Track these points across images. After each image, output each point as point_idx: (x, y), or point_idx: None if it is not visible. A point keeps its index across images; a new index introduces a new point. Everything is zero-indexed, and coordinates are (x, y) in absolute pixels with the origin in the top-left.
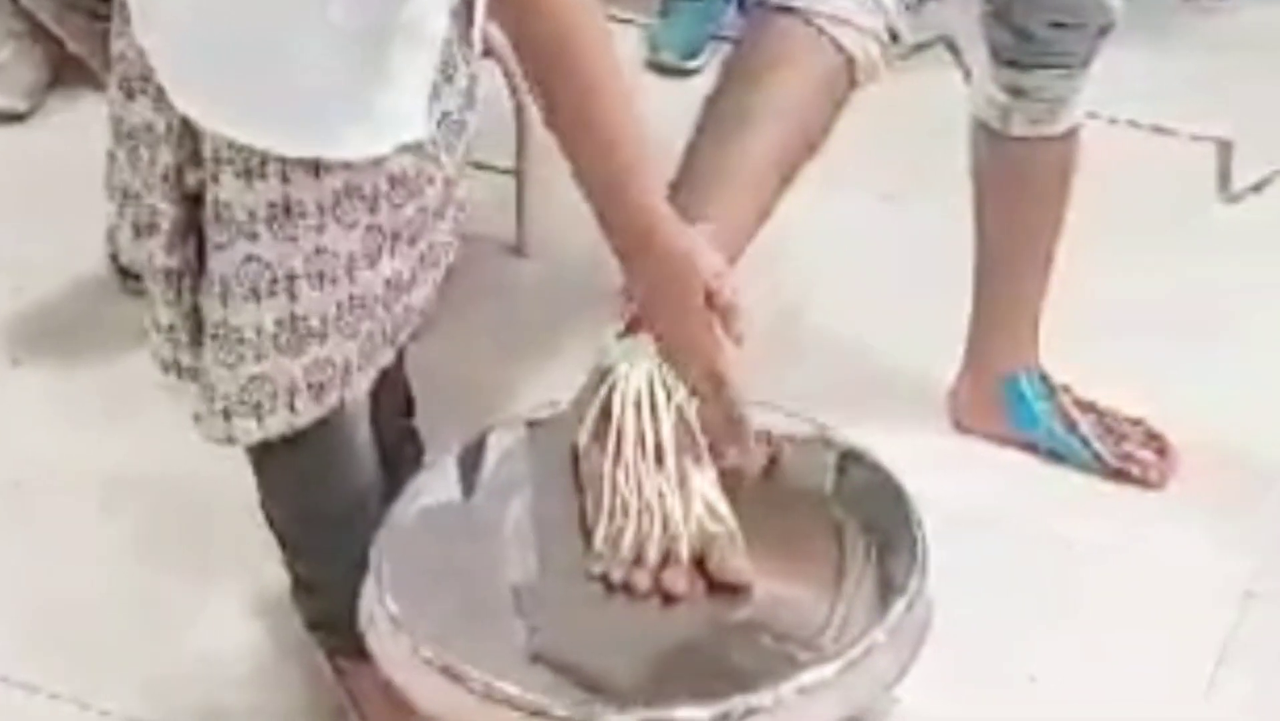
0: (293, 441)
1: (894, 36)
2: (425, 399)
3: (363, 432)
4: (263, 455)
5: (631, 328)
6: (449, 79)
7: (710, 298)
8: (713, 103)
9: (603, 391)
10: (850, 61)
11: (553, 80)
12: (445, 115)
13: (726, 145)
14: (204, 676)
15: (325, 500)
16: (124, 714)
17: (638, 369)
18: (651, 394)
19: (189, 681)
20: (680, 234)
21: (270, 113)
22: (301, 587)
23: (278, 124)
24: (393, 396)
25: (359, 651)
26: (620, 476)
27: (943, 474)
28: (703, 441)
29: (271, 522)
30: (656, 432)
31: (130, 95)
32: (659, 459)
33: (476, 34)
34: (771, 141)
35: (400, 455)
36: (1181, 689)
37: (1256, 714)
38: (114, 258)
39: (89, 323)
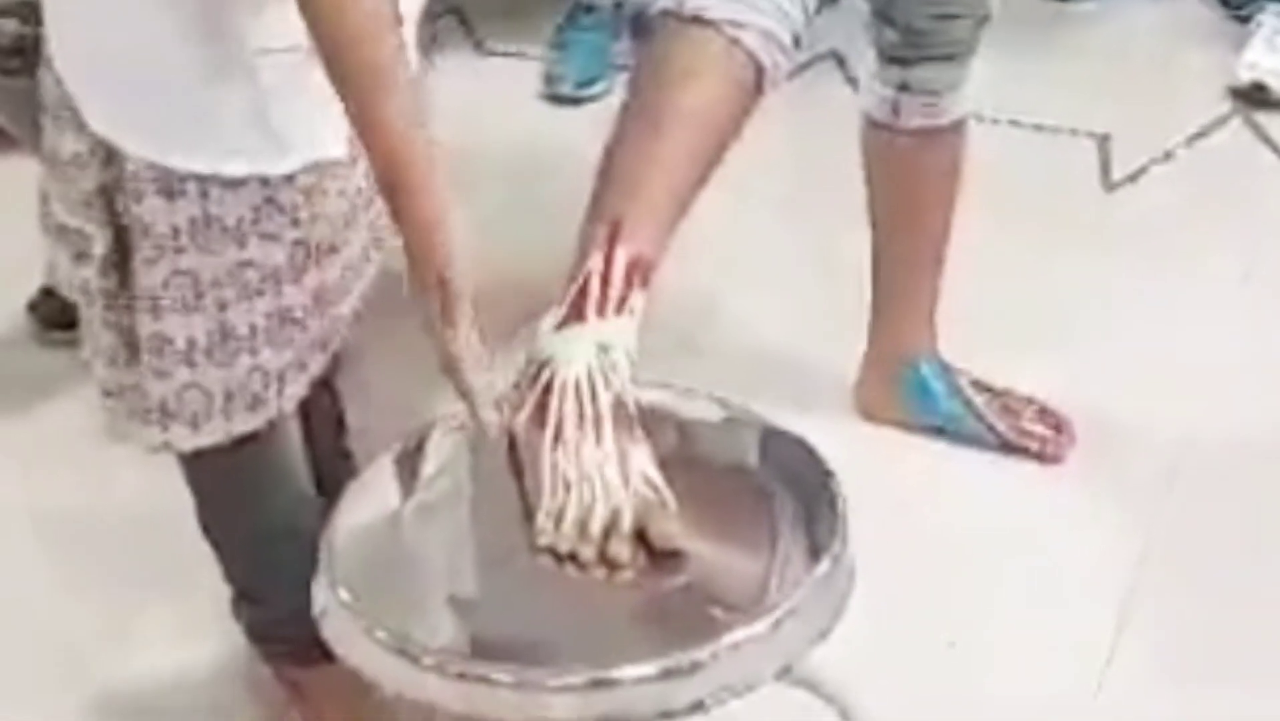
0: (228, 451)
1: (797, 43)
2: (357, 419)
3: (296, 444)
4: (198, 468)
5: (569, 319)
6: None
7: (441, 280)
8: (629, 108)
9: (542, 379)
10: (759, 69)
11: (342, 83)
12: None
13: (643, 149)
14: (148, 691)
15: (263, 511)
16: None
17: (576, 358)
18: (590, 380)
19: (132, 697)
20: (430, 208)
21: (177, 132)
22: (243, 599)
23: (184, 142)
24: (325, 416)
25: (305, 658)
26: (560, 454)
27: (851, 458)
28: (639, 424)
29: (210, 536)
30: (596, 413)
31: (59, 126)
32: (598, 438)
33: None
34: (686, 145)
35: (334, 475)
36: (1089, 645)
37: (1155, 674)
38: (33, 307)
39: (6, 378)
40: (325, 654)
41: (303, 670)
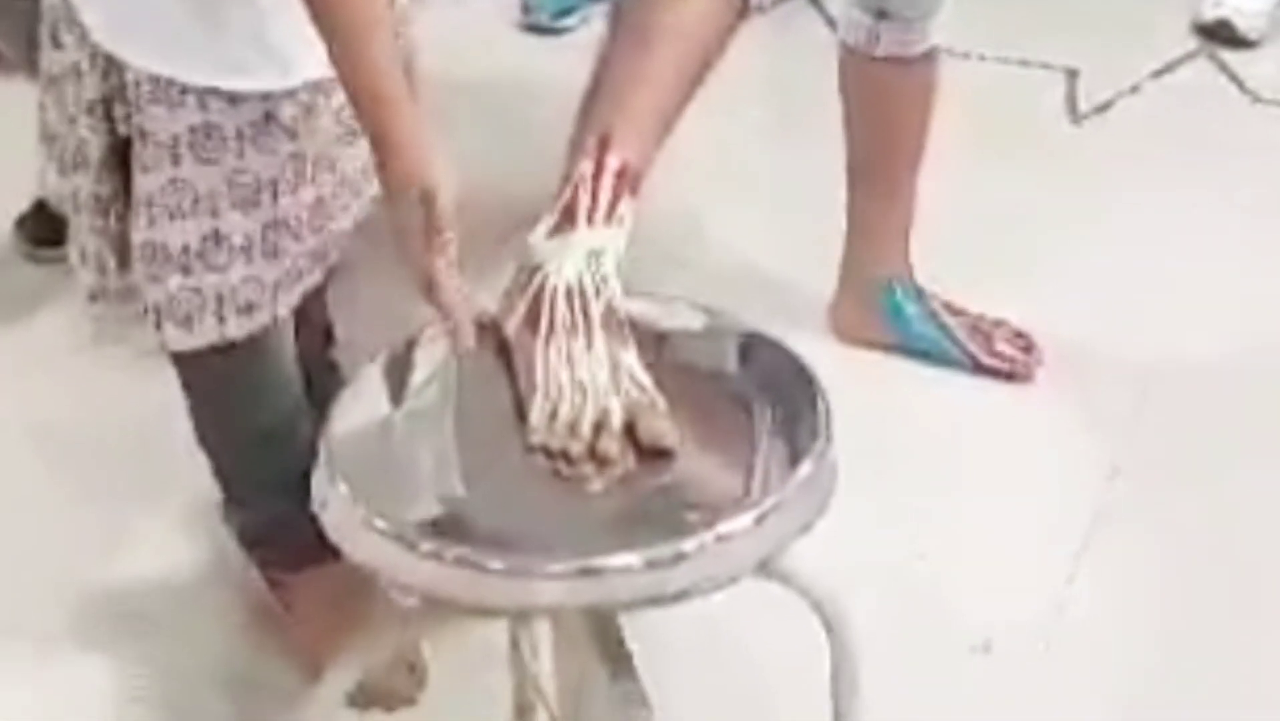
0: (223, 355)
1: None
2: (344, 331)
3: (288, 352)
4: (194, 371)
5: (560, 226)
6: None
7: (426, 196)
8: (619, 25)
9: (534, 285)
10: None
11: (323, 22)
12: None
13: (632, 63)
14: (136, 596)
15: (257, 414)
16: (50, 636)
17: (567, 265)
18: (582, 286)
19: (122, 602)
20: (414, 147)
21: (178, 46)
22: (234, 503)
23: (185, 57)
24: (314, 327)
25: (294, 562)
26: (552, 356)
27: (823, 375)
28: (628, 329)
29: (203, 440)
30: (586, 318)
31: (57, 42)
32: (589, 342)
33: None
34: (673, 60)
35: (322, 385)
36: (1055, 561)
37: (1122, 578)
38: (20, 223)
39: None
40: (313, 557)
41: (291, 574)
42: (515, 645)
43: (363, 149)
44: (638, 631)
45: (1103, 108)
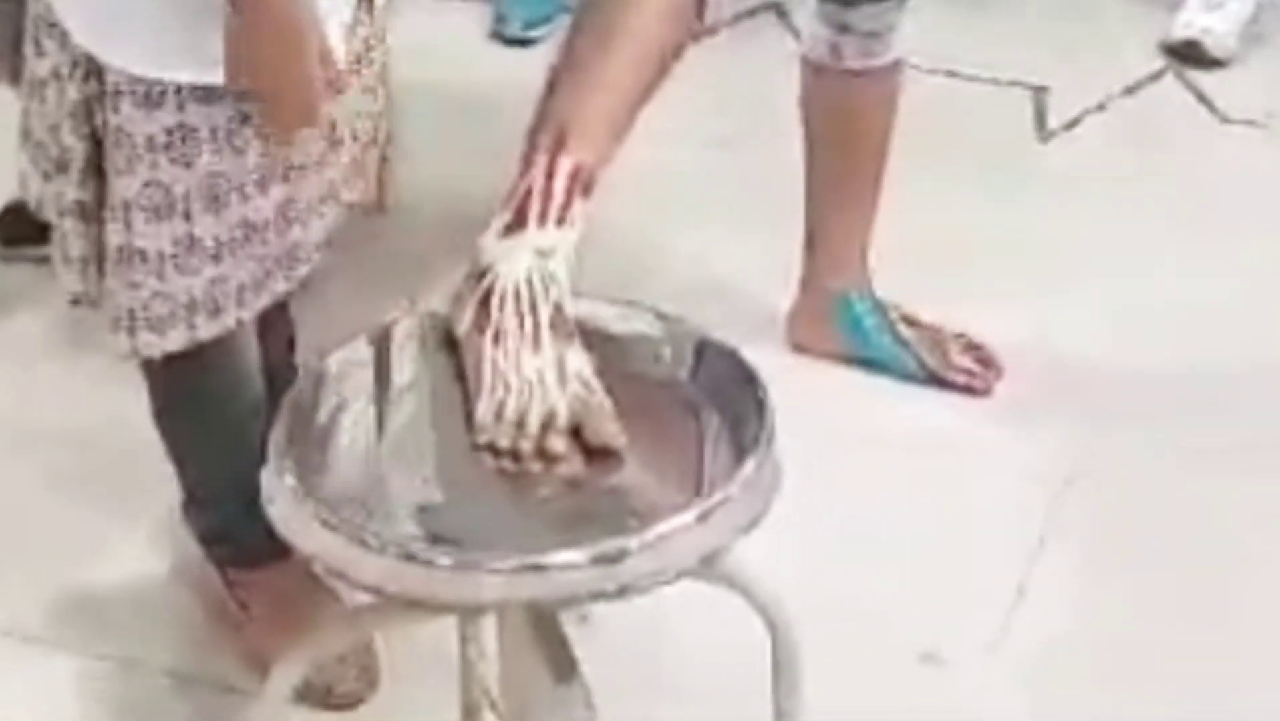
0: (189, 357)
1: None
2: (308, 337)
3: (251, 354)
4: (161, 371)
5: (512, 226)
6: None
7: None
8: (576, 26)
9: (483, 285)
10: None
11: None
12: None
13: (590, 63)
14: (99, 594)
15: (217, 413)
16: (21, 633)
17: (517, 265)
18: (530, 287)
19: (85, 598)
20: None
21: (156, 44)
22: (194, 502)
23: (163, 54)
24: (278, 335)
25: (247, 562)
26: (500, 357)
27: (780, 387)
28: (576, 330)
29: (166, 437)
30: (535, 319)
31: (40, 47)
32: (536, 344)
33: None
34: (630, 64)
35: (284, 389)
36: (1005, 572)
37: (1073, 590)
38: None
39: None
40: (270, 556)
41: (248, 573)
42: (464, 645)
43: (342, 157)
44: (581, 634)
45: (1071, 125)
